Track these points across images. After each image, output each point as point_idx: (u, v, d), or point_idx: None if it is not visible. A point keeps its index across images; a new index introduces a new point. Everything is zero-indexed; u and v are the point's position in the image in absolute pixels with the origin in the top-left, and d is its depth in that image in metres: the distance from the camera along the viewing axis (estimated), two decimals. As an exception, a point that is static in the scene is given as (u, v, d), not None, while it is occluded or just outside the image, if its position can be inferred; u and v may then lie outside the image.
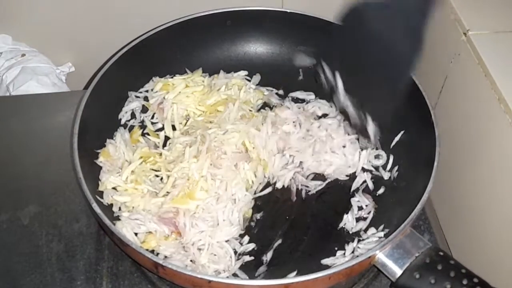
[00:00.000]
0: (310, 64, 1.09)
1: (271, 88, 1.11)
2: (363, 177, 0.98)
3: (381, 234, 0.89)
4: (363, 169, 0.99)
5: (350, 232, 0.91)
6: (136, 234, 0.88)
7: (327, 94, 1.07)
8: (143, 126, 1.05)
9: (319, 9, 1.09)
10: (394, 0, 0.78)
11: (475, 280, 0.75)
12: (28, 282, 0.87)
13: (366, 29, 0.80)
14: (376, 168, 0.99)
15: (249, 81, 1.12)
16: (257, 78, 1.12)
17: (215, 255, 0.86)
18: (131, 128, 1.04)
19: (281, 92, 1.11)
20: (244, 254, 0.88)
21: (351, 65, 0.87)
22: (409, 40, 0.77)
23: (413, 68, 0.82)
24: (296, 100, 1.10)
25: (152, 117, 1.07)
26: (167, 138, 1.03)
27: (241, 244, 0.89)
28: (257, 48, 1.15)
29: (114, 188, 0.92)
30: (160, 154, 0.98)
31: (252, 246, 0.89)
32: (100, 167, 0.94)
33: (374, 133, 0.90)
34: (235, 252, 0.87)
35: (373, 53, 0.82)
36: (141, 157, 0.96)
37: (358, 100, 0.89)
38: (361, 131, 0.92)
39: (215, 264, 0.85)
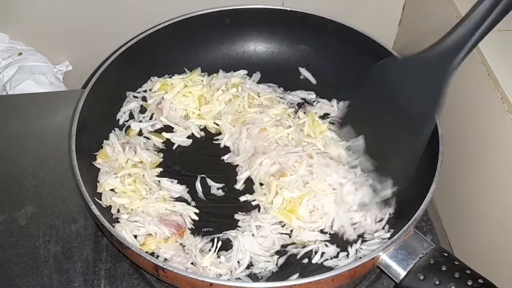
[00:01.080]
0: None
1: (272, 84, 1.10)
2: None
3: (388, 235, 0.88)
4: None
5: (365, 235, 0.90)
6: (135, 236, 0.87)
7: (328, 93, 1.08)
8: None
9: (320, 7, 1.08)
10: (419, 59, 0.77)
11: (480, 281, 0.74)
12: (25, 284, 0.87)
13: (389, 87, 0.80)
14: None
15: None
16: (257, 76, 1.12)
17: (219, 257, 0.85)
18: (128, 128, 1.03)
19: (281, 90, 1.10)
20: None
21: (371, 126, 0.86)
22: (428, 100, 0.77)
23: (429, 131, 0.80)
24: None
25: (151, 118, 1.05)
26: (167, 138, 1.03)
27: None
28: (256, 47, 1.14)
29: (112, 190, 0.91)
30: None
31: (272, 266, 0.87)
32: (99, 168, 0.93)
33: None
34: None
35: (393, 111, 0.81)
36: (133, 165, 0.95)
37: (379, 164, 0.87)
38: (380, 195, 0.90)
39: (217, 268, 0.83)
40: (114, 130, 1.01)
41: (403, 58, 0.82)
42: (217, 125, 1.04)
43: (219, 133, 1.04)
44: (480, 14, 0.69)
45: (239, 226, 0.90)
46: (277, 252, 0.87)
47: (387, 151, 0.83)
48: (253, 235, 0.87)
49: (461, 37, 0.71)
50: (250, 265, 0.85)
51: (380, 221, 0.91)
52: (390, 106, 0.80)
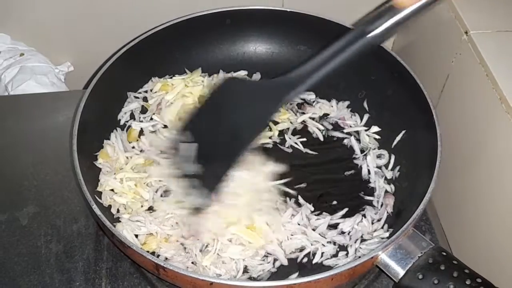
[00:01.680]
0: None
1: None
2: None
3: (387, 234, 0.88)
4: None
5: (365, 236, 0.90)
6: (136, 236, 0.87)
7: (327, 93, 1.08)
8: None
9: (320, 8, 1.08)
10: (258, 84, 0.83)
11: (479, 280, 0.74)
12: (26, 283, 0.87)
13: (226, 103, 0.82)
14: (379, 167, 0.99)
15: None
16: (257, 76, 1.12)
17: (222, 261, 0.85)
18: (129, 128, 1.03)
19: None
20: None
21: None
22: (253, 123, 0.79)
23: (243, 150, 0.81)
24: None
25: (151, 118, 1.05)
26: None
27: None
28: (257, 47, 1.15)
29: (112, 190, 0.92)
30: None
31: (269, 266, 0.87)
32: (100, 168, 0.94)
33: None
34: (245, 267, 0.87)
35: (224, 127, 0.82)
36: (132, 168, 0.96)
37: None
38: None
39: (217, 268, 0.84)
40: (116, 130, 1.01)
41: (250, 81, 0.89)
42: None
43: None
44: (326, 57, 0.73)
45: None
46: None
47: (212, 160, 0.83)
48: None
49: (303, 74, 0.75)
50: (246, 271, 0.86)
51: (378, 220, 0.91)
52: (224, 120, 0.82)
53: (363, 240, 0.89)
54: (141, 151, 1.00)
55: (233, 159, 0.80)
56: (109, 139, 0.99)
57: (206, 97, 0.84)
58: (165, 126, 1.03)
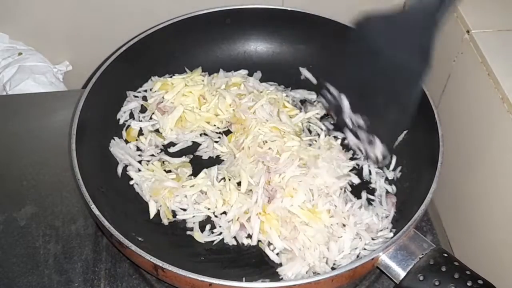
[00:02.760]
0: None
1: (273, 83, 1.10)
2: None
3: (391, 234, 0.87)
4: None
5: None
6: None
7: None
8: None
9: (320, 7, 1.08)
10: (403, 16, 0.76)
11: (480, 281, 0.74)
12: (25, 284, 0.86)
13: (374, 45, 0.79)
14: (380, 168, 0.98)
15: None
16: (258, 75, 1.12)
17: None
18: (128, 128, 1.03)
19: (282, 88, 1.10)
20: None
21: (357, 84, 0.85)
22: (417, 58, 0.75)
23: (421, 87, 0.80)
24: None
25: (151, 117, 1.05)
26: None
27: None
28: (257, 46, 1.14)
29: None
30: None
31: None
32: (100, 168, 0.94)
33: (382, 153, 0.89)
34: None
35: (380, 71, 0.80)
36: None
37: (366, 121, 0.87)
38: (368, 153, 0.91)
39: None
40: (112, 140, 1.01)
41: (384, 15, 0.78)
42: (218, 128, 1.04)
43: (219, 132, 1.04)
44: None
45: None
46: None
47: (375, 110, 0.83)
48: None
49: None
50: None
51: (386, 217, 0.91)
52: (377, 65, 0.79)
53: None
54: (139, 150, 1.00)
55: (405, 101, 0.78)
56: (108, 138, 0.99)
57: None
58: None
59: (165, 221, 0.91)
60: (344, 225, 0.87)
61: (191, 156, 1.00)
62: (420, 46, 0.74)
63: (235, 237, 0.89)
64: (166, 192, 0.92)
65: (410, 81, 0.78)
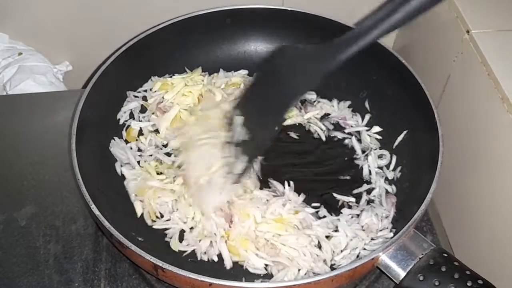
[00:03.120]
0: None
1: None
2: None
3: (391, 234, 0.87)
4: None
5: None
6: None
7: (329, 93, 1.08)
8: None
9: (320, 7, 1.08)
10: (312, 47, 0.80)
11: (480, 281, 0.74)
12: (25, 284, 0.86)
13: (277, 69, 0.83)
14: (380, 167, 0.98)
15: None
16: (258, 75, 1.11)
17: None
18: (128, 127, 1.03)
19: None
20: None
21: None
22: (306, 80, 0.79)
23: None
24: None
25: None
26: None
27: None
28: (257, 46, 1.14)
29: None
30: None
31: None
32: (100, 168, 0.94)
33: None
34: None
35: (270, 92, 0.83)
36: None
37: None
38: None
39: None
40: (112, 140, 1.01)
41: (295, 45, 0.83)
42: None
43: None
44: (377, 18, 0.69)
45: None
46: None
47: (258, 126, 0.85)
48: None
49: (356, 34, 0.71)
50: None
51: (386, 217, 0.91)
52: (272, 85, 0.83)
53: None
54: (139, 150, 0.99)
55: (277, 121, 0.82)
56: (108, 138, 0.99)
57: (259, 68, 0.85)
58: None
59: (149, 222, 0.90)
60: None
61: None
62: (313, 72, 0.78)
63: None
64: (151, 192, 0.91)
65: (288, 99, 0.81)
